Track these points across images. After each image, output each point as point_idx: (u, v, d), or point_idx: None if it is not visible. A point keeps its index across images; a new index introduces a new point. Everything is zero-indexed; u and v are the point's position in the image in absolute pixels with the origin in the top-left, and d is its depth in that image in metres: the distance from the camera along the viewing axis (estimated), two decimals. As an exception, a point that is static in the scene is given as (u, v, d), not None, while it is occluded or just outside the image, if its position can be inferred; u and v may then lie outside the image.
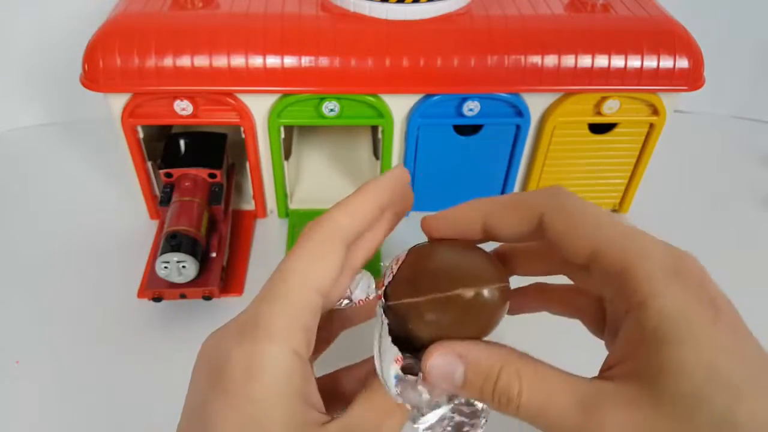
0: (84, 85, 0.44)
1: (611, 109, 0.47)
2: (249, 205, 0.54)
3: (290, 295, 0.22)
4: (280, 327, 0.22)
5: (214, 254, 0.46)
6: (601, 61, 0.45)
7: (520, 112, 0.47)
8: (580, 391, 0.21)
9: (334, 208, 0.24)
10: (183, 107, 0.45)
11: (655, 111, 0.48)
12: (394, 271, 0.25)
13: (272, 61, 0.44)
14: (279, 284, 0.23)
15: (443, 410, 0.25)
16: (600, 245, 0.22)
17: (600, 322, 0.27)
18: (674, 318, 0.20)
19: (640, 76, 0.45)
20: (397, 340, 0.25)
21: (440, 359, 0.23)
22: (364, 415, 0.24)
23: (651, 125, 0.49)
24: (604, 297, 0.24)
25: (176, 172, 0.48)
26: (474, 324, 0.24)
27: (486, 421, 0.26)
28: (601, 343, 0.27)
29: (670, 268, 0.21)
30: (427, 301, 0.24)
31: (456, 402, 0.26)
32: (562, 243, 0.23)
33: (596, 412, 0.20)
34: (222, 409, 0.21)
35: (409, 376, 0.24)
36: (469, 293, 0.24)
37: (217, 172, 0.48)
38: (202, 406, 0.22)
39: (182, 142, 0.50)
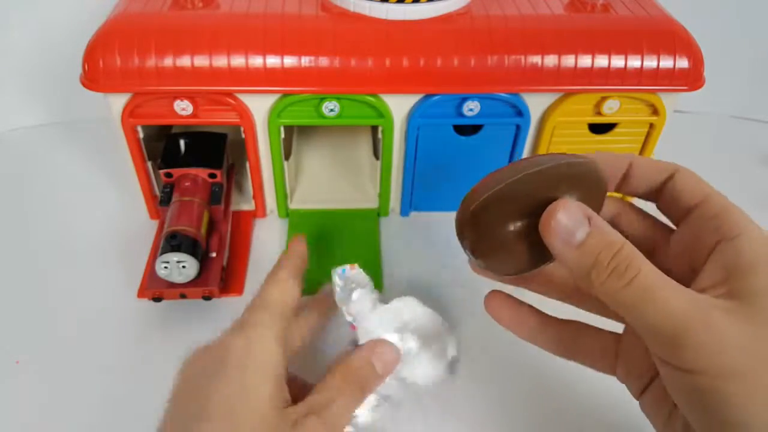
0: (84, 85, 0.44)
1: (611, 109, 0.47)
2: (249, 205, 0.54)
3: (270, 306, 0.32)
4: (266, 320, 0.30)
5: (214, 254, 0.46)
6: (601, 61, 0.45)
7: (520, 112, 0.47)
8: (689, 291, 0.23)
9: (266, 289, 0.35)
10: (183, 107, 0.45)
11: (655, 111, 0.48)
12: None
13: (272, 61, 0.44)
14: (260, 301, 0.33)
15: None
16: (709, 195, 0.27)
17: (612, 358, 0.30)
18: (766, 250, 0.23)
19: (640, 76, 0.45)
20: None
21: (567, 213, 0.24)
22: (321, 390, 0.30)
23: (651, 125, 0.49)
24: (680, 248, 0.27)
25: (176, 172, 0.48)
26: (586, 194, 0.25)
27: None
28: None
29: (756, 224, 0.25)
30: (530, 175, 0.26)
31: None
32: (685, 189, 0.27)
33: (704, 310, 0.22)
34: (219, 385, 0.27)
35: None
36: (572, 159, 0.26)
37: (217, 172, 0.48)
38: (197, 393, 0.27)
39: (182, 142, 0.50)
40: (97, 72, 0.43)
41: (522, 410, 0.40)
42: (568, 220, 0.24)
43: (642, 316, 0.22)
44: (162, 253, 0.42)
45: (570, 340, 0.31)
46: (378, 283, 0.48)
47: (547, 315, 0.32)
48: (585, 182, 0.26)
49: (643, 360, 0.28)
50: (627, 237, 0.24)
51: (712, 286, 0.23)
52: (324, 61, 0.44)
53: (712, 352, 0.21)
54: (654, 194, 0.29)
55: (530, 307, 0.32)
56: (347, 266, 0.38)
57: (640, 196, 0.30)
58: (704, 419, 0.22)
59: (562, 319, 0.32)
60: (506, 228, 0.25)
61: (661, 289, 0.22)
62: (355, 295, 0.36)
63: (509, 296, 0.32)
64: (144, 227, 0.52)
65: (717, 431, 0.22)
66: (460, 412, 0.40)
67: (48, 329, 0.44)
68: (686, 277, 0.25)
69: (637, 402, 0.29)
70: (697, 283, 0.24)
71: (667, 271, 0.24)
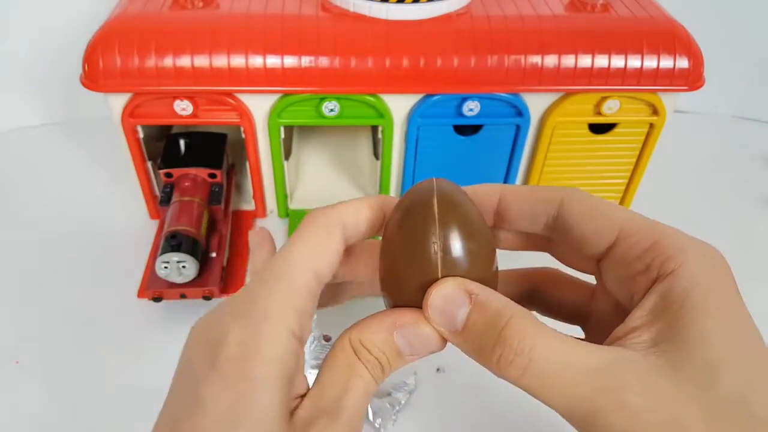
0: (84, 85, 0.44)
1: (611, 109, 0.47)
2: (249, 205, 0.54)
3: (288, 277, 0.22)
4: (276, 307, 0.21)
5: (214, 254, 0.46)
6: (601, 61, 0.45)
7: (520, 112, 0.47)
8: (598, 355, 0.19)
9: (339, 203, 0.24)
10: (183, 107, 0.45)
11: (655, 111, 0.48)
12: None
13: (272, 61, 0.44)
14: (277, 267, 0.22)
15: None
16: (626, 226, 0.22)
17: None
18: (703, 286, 0.20)
19: (640, 76, 0.45)
20: None
21: (443, 295, 0.21)
22: (329, 379, 0.22)
23: (651, 125, 0.49)
24: (614, 289, 0.23)
25: (176, 172, 0.48)
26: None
27: None
28: None
29: (700, 247, 0.21)
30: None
31: None
32: (583, 227, 0.23)
33: (616, 376, 0.19)
34: (215, 385, 0.20)
35: None
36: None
37: (217, 172, 0.48)
38: (194, 384, 0.21)
39: (182, 142, 0.50)
40: (97, 72, 0.43)
41: (507, 414, 0.40)
42: (443, 303, 0.21)
43: (548, 402, 0.20)
44: (162, 253, 0.42)
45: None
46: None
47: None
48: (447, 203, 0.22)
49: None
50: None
51: (634, 332, 0.20)
52: (324, 61, 0.44)
53: None
54: (547, 230, 0.24)
55: None
56: None
57: (528, 232, 0.25)
58: None
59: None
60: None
61: (561, 371, 0.19)
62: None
63: None
64: (144, 227, 0.52)
65: None
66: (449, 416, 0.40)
67: (48, 329, 0.44)
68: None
69: None
70: (622, 329, 0.21)
71: (613, 306, 0.23)
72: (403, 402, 0.40)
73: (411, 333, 0.22)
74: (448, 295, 0.21)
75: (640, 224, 0.22)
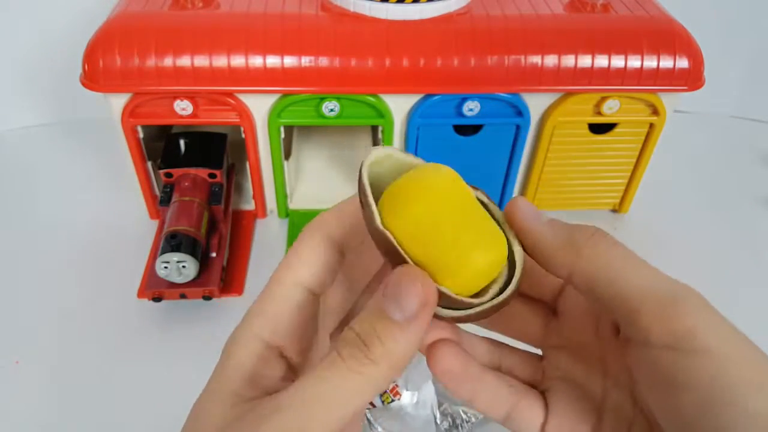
0: (84, 85, 0.44)
1: (611, 109, 0.47)
2: (249, 205, 0.54)
3: (265, 291, 0.24)
4: (248, 315, 0.23)
5: (214, 254, 0.46)
6: (601, 61, 0.45)
7: (520, 112, 0.47)
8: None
9: (326, 210, 0.24)
10: (183, 107, 0.45)
11: (655, 111, 0.48)
12: None
13: (272, 61, 0.44)
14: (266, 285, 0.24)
15: None
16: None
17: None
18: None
19: (640, 76, 0.45)
20: None
21: (527, 203, 0.23)
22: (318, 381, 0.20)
23: (651, 125, 0.49)
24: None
25: (176, 172, 0.48)
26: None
27: None
28: None
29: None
30: None
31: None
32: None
33: (690, 292, 0.20)
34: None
35: None
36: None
37: (217, 172, 0.48)
38: None
39: (182, 142, 0.50)
40: (97, 72, 0.43)
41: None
42: (530, 206, 0.24)
43: (624, 284, 0.20)
44: (162, 253, 0.42)
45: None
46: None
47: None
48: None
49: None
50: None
51: None
52: (324, 61, 0.44)
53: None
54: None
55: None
56: None
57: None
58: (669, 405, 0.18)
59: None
60: None
61: (644, 263, 0.21)
62: None
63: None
64: (144, 227, 0.52)
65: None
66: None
67: (48, 329, 0.44)
68: None
69: None
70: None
71: None
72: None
73: (393, 283, 0.20)
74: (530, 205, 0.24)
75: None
